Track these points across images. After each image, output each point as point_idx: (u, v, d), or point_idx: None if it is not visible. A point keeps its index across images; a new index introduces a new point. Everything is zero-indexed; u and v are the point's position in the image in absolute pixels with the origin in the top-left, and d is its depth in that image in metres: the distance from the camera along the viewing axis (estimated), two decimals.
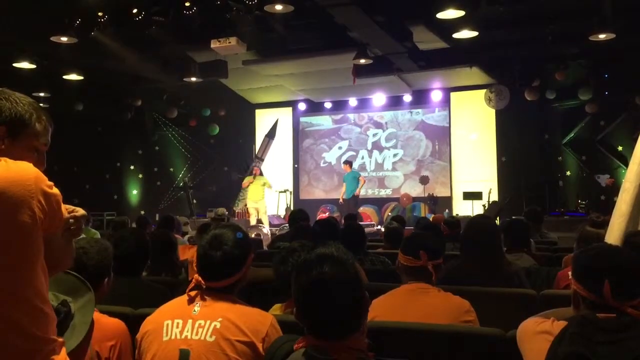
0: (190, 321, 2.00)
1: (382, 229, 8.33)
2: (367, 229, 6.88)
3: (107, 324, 2.22)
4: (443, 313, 2.45)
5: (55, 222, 1.59)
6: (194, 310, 2.03)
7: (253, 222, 12.23)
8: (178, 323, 2.01)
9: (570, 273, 3.53)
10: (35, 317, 1.54)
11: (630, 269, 1.83)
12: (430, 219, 8.35)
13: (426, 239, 2.76)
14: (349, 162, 13.04)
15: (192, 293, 2.07)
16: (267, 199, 13.08)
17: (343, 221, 8.24)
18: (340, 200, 12.78)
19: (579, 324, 1.75)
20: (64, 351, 1.63)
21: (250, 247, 2.21)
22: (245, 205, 14.26)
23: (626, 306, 1.75)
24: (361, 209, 13.40)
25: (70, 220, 1.66)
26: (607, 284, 1.78)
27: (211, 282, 2.07)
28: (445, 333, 2.30)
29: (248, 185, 12.69)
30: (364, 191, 14.27)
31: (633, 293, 1.78)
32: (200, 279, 2.08)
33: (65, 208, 1.64)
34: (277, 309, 2.45)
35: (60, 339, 1.64)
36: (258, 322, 2.01)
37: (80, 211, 1.70)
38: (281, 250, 2.78)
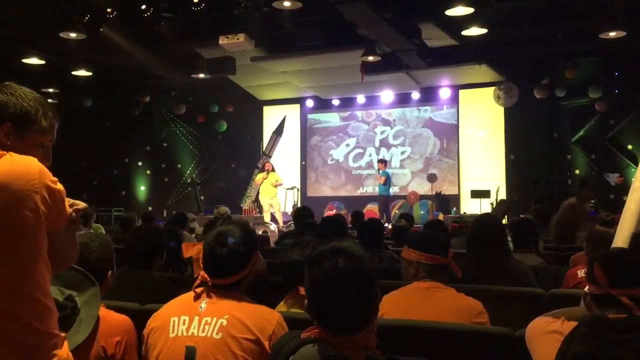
0: (196, 318, 2.00)
1: (389, 227, 8.33)
2: None
3: (113, 319, 2.23)
4: (454, 314, 2.43)
5: (60, 218, 1.60)
6: (201, 307, 2.02)
7: (267, 218, 12.21)
8: (185, 320, 2.00)
9: (579, 272, 3.53)
10: (38, 311, 1.54)
11: (626, 257, 1.83)
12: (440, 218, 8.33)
13: (444, 237, 2.80)
14: (382, 161, 12.93)
15: (198, 290, 2.07)
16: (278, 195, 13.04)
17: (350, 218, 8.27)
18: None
19: (589, 324, 1.75)
20: (66, 346, 1.63)
21: (256, 244, 2.20)
22: (253, 201, 14.30)
23: (624, 294, 1.74)
24: (368, 207, 13.40)
25: (73, 214, 1.66)
26: (597, 267, 1.80)
27: (217, 279, 2.07)
28: (453, 332, 2.29)
29: (262, 182, 12.57)
30: (371, 189, 14.32)
31: (630, 281, 1.77)
32: (206, 275, 2.08)
33: (67, 202, 1.64)
34: (282, 306, 2.45)
35: (63, 334, 1.64)
36: (265, 319, 2.00)
37: (81, 204, 1.70)
38: (290, 245, 2.78)
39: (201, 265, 2.12)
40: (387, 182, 12.49)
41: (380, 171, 12.61)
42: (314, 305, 1.69)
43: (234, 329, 1.95)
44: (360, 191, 14.91)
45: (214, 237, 2.12)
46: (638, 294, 1.74)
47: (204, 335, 1.95)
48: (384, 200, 12.58)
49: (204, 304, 2.03)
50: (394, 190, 14.29)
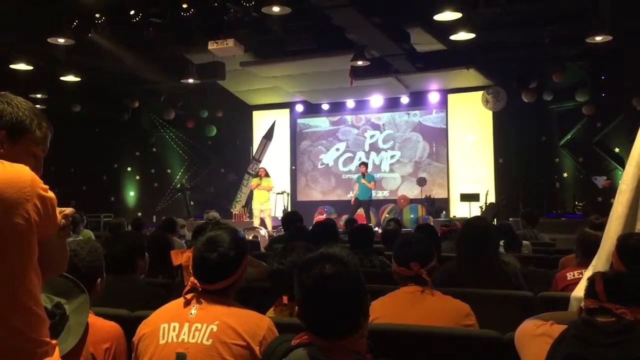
0: (187, 324, 1.99)
1: (380, 230, 8.34)
2: None
3: (102, 326, 2.22)
4: (443, 316, 2.45)
5: (50, 225, 1.60)
6: (191, 313, 2.02)
7: (257, 223, 12.24)
8: (175, 326, 2.00)
9: (568, 274, 3.55)
10: (28, 319, 1.54)
11: (629, 278, 1.85)
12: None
13: (414, 246, 2.70)
14: (364, 164, 12.93)
15: (189, 296, 2.07)
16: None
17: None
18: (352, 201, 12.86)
19: (579, 327, 1.76)
20: (57, 353, 1.63)
21: (246, 249, 2.19)
22: (243, 206, 14.29)
23: (618, 309, 1.75)
24: (358, 211, 13.39)
25: (63, 220, 1.66)
26: (599, 282, 1.81)
27: (207, 285, 2.06)
28: (443, 335, 2.30)
29: (256, 187, 12.63)
30: None
31: (627, 299, 1.78)
32: (196, 281, 2.07)
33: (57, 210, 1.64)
34: (271, 313, 2.44)
35: (54, 342, 1.63)
36: (255, 325, 2.00)
37: (67, 209, 1.70)
38: (277, 251, 2.78)
39: (191, 271, 2.12)
40: (362, 187, 12.47)
41: (365, 175, 12.58)
42: (304, 312, 1.69)
43: (224, 334, 1.94)
44: (350, 195, 14.90)
45: (203, 243, 2.12)
46: (632, 311, 1.76)
47: (194, 341, 1.95)
48: (368, 204, 12.56)
49: (194, 310, 2.03)
50: (384, 194, 14.34)
